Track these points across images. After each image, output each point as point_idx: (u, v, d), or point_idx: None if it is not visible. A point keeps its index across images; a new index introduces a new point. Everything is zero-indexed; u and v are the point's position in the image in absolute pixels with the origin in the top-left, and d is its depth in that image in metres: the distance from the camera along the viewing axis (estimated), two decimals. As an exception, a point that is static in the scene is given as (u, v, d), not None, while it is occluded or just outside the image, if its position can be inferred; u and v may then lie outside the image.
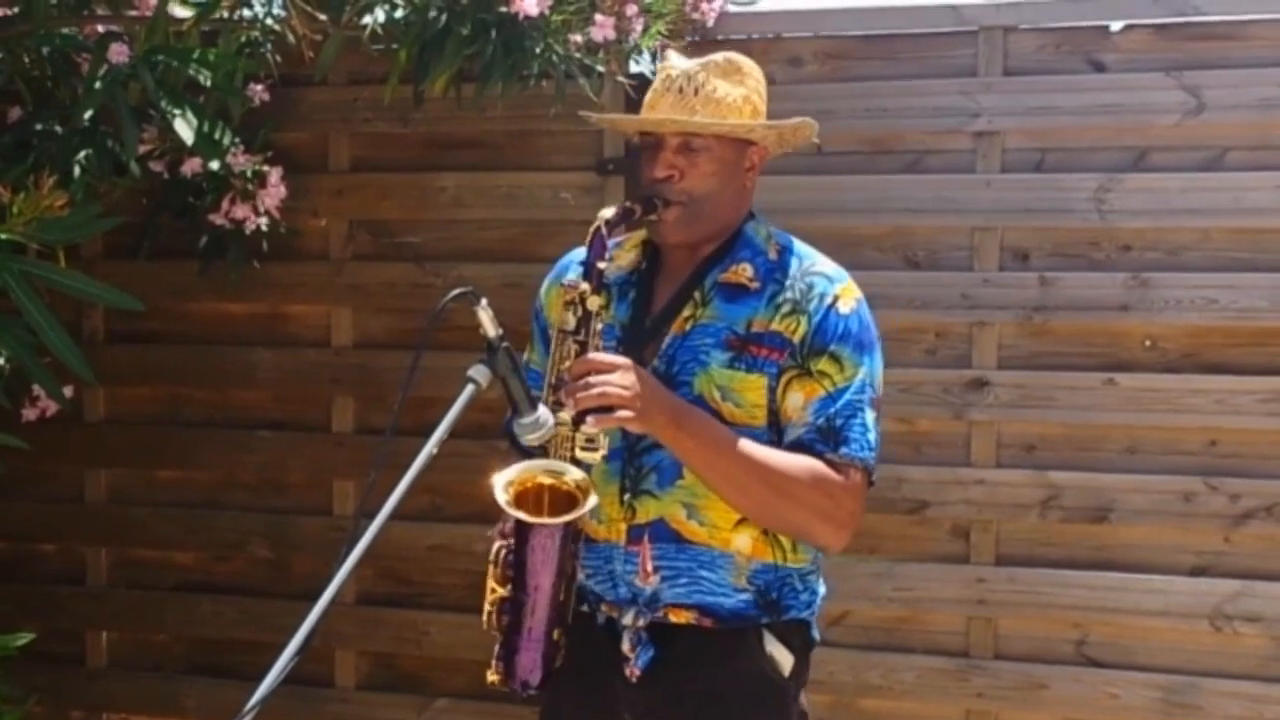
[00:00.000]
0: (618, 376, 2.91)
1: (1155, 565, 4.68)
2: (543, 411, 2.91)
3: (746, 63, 3.22)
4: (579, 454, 2.98)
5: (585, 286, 3.03)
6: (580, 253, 3.22)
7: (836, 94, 4.89)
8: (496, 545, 3.04)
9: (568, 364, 2.98)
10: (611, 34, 4.41)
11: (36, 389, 4.67)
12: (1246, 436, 4.61)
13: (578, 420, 2.95)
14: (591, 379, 2.90)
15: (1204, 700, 4.63)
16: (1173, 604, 4.64)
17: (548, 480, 2.99)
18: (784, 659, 3.20)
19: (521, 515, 2.94)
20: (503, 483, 2.95)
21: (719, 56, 3.20)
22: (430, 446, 2.71)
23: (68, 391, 4.55)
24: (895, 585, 4.83)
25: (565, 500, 2.97)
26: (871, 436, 3.11)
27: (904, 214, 4.84)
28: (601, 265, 3.06)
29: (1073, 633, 4.75)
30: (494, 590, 3.04)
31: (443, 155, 5.29)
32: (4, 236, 3.93)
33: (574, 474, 2.97)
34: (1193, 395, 4.62)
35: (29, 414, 4.72)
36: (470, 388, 2.82)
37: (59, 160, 4.40)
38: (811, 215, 4.73)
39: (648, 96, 3.22)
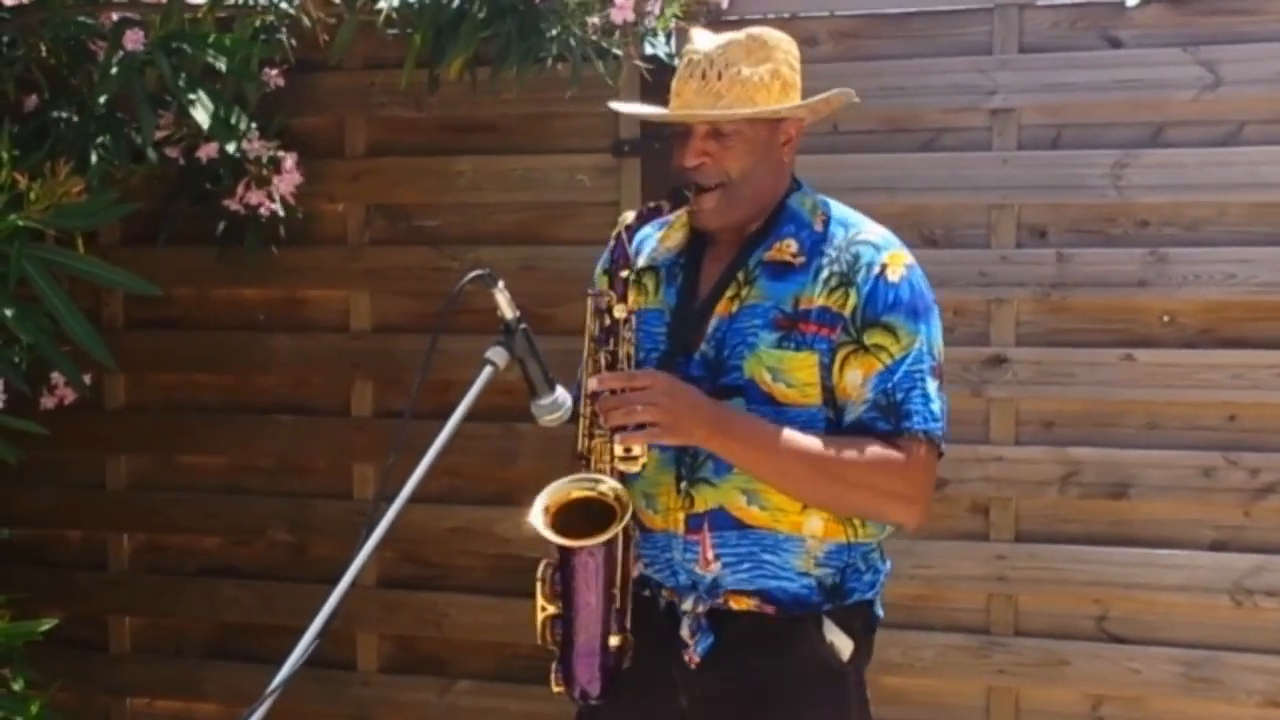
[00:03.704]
0: (648, 395, 2.90)
1: (1175, 540, 4.67)
2: (560, 392, 2.92)
3: (772, 35, 3.18)
4: (619, 465, 2.98)
5: (611, 296, 3.03)
6: (641, 235, 3.22)
7: (851, 73, 4.85)
8: (543, 563, 3.04)
9: (595, 379, 2.98)
10: (631, 16, 4.39)
11: (55, 377, 4.68)
12: (1265, 411, 4.60)
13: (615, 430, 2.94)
14: (624, 396, 2.89)
15: (1225, 674, 4.63)
16: (1193, 579, 4.63)
17: (581, 494, 2.99)
18: (844, 645, 3.17)
19: (559, 540, 2.95)
20: (539, 508, 2.95)
21: (742, 35, 3.14)
22: (448, 430, 2.71)
23: (87, 379, 4.57)
24: (915, 563, 4.82)
25: (604, 511, 2.97)
26: (935, 406, 3.07)
27: (920, 192, 4.83)
28: (624, 274, 3.05)
29: (1093, 608, 4.75)
30: (544, 609, 3.05)
31: (459, 139, 5.29)
32: (22, 223, 3.94)
33: (608, 484, 2.98)
34: (1211, 370, 4.61)
35: (48, 402, 4.74)
36: (488, 369, 2.83)
37: (76, 147, 4.42)
38: (827, 194, 4.72)
39: (674, 83, 3.17)
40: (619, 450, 2.96)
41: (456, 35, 4.43)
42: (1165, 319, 4.68)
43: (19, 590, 4.77)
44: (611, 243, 3.06)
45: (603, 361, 3.01)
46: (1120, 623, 4.74)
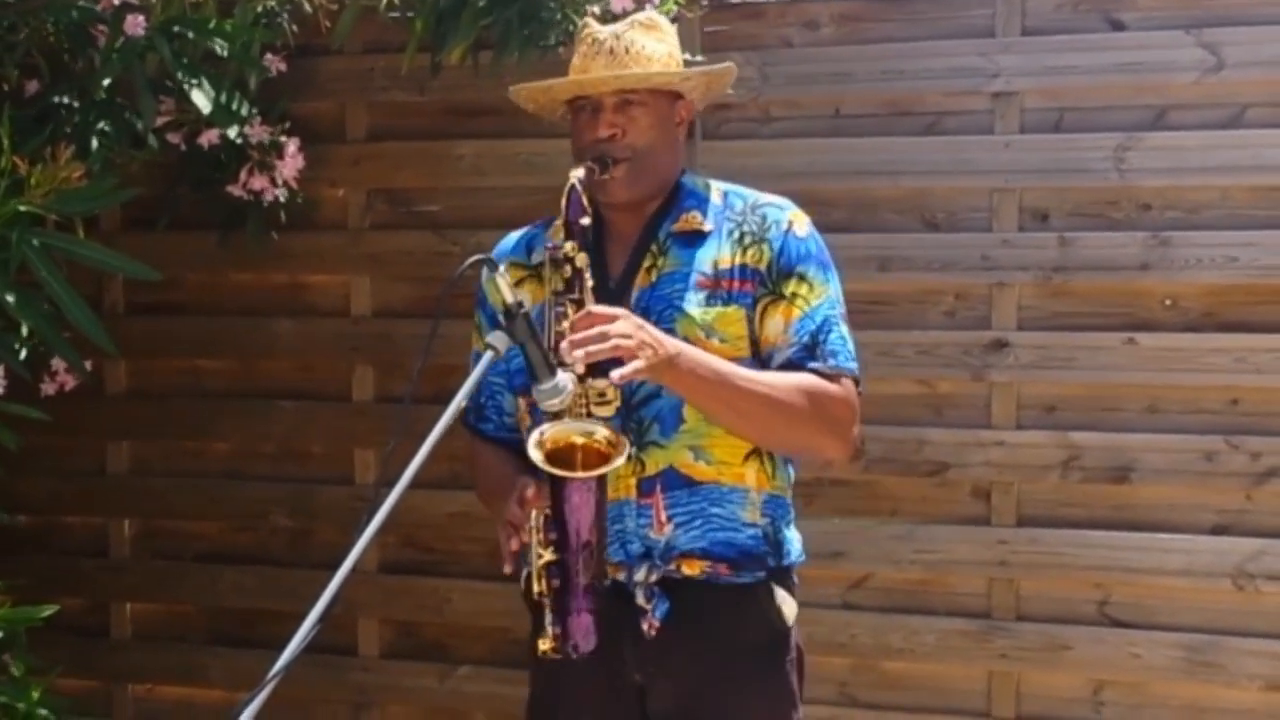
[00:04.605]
0: (620, 325, 2.94)
1: (1177, 525, 4.67)
2: (562, 377, 2.91)
3: (663, 20, 3.35)
4: (593, 410, 3.03)
5: (570, 245, 3.07)
6: (509, 241, 3.43)
7: (853, 56, 4.88)
8: (534, 514, 3.03)
9: (566, 324, 2.99)
10: (630, 4, 4.39)
11: (56, 363, 4.68)
12: (1267, 395, 4.60)
13: (583, 377, 2.98)
14: (600, 330, 2.92)
15: (1226, 659, 4.62)
16: (1194, 563, 4.63)
17: (580, 439, 3.01)
18: (789, 609, 3.30)
19: (559, 472, 2.96)
20: (535, 441, 2.96)
21: (640, 15, 3.34)
22: (449, 413, 2.71)
23: (88, 364, 4.56)
24: (916, 548, 4.83)
25: (596, 458, 3.00)
26: (851, 346, 3.23)
27: (922, 176, 4.83)
28: (584, 222, 3.11)
29: (1095, 593, 4.75)
30: (540, 556, 3.04)
31: (460, 123, 5.28)
32: (23, 208, 3.94)
33: (605, 431, 3.01)
34: (1213, 354, 4.60)
35: (49, 388, 4.73)
36: (489, 354, 2.83)
37: (77, 132, 4.41)
38: (829, 178, 4.74)
39: (576, 61, 3.32)
40: (593, 395, 3.02)
41: (458, 22, 4.43)
42: (1167, 303, 4.67)
43: (20, 576, 4.77)
44: (565, 197, 3.12)
45: (568, 311, 3.03)
46: (1122, 607, 4.73)
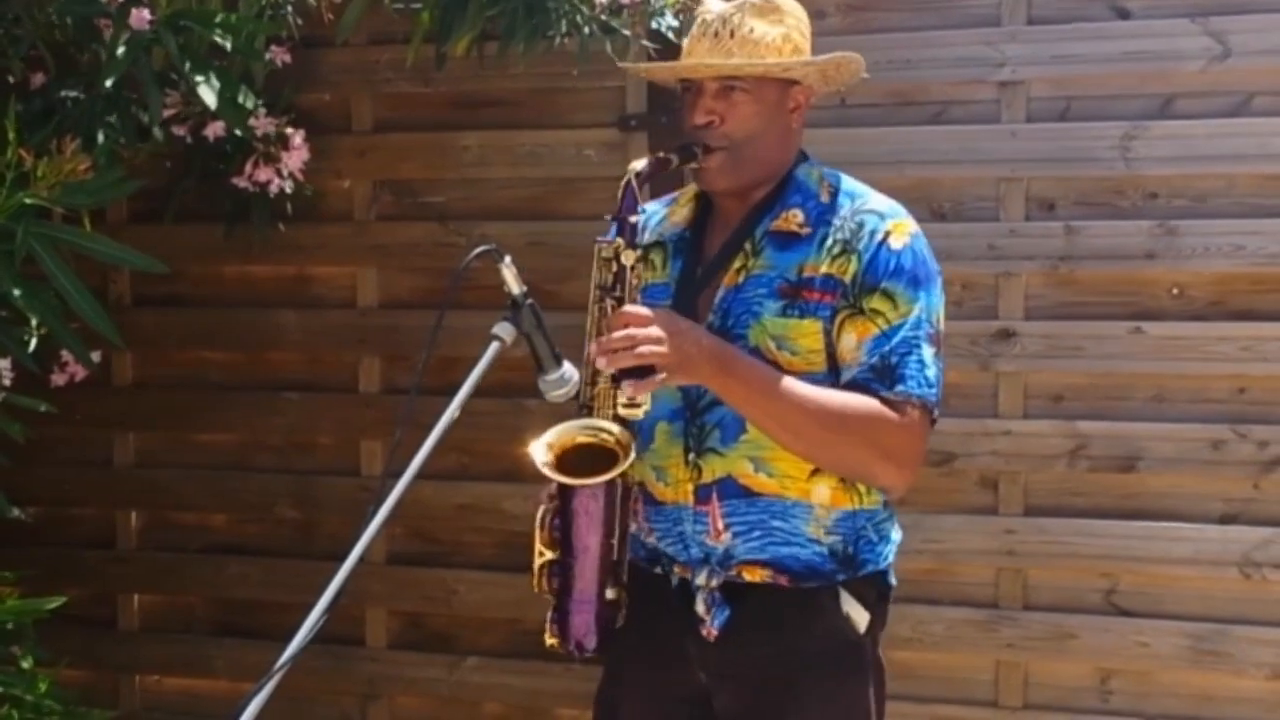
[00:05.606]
0: (653, 329, 2.87)
1: (1184, 513, 4.67)
2: (567, 368, 2.91)
3: (787, 1, 3.20)
4: (621, 411, 2.95)
5: (619, 242, 3.00)
6: (649, 211, 3.28)
7: (859, 46, 4.77)
8: (541, 509, 3.03)
9: (606, 321, 2.96)
10: None
11: (64, 354, 4.68)
12: (1274, 383, 4.60)
13: (618, 378, 2.92)
14: (628, 332, 2.87)
15: (1234, 647, 4.63)
16: (1202, 552, 4.63)
17: (586, 439, 2.98)
18: (860, 618, 3.18)
19: (561, 478, 2.94)
20: (542, 446, 2.94)
21: None
22: (455, 405, 2.71)
23: (95, 356, 4.56)
24: (924, 537, 4.82)
25: (607, 457, 2.95)
26: (930, 373, 3.05)
27: (929, 165, 4.82)
28: (634, 219, 3.03)
29: (1102, 582, 4.75)
30: (541, 554, 3.02)
31: (465, 114, 5.27)
32: (29, 201, 3.94)
33: (612, 430, 2.96)
34: (1220, 342, 4.60)
35: (57, 379, 4.72)
36: (494, 345, 2.82)
37: (83, 125, 4.40)
38: (836, 168, 4.72)
39: (685, 43, 3.19)
40: (622, 398, 2.94)
41: (463, 13, 4.42)
42: (1174, 291, 4.67)
43: (27, 568, 4.78)
44: (621, 189, 3.04)
45: (609, 308, 2.98)
46: (1129, 596, 4.74)
